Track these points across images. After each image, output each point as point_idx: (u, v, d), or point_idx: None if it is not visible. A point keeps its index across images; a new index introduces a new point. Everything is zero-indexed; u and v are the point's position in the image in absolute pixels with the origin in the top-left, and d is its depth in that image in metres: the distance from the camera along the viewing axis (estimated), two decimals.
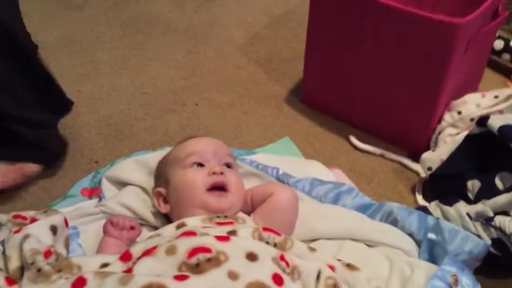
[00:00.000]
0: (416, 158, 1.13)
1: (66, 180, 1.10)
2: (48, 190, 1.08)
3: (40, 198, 1.06)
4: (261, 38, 1.58)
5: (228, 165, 0.89)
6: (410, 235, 0.89)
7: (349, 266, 0.76)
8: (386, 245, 0.86)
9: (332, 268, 0.74)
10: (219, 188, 0.84)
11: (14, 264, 0.72)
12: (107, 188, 0.99)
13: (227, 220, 0.80)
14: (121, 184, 0.99)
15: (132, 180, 0.97)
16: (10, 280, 0.70)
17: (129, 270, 0.68)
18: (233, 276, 0.65)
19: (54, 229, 0.80)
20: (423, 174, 1.10)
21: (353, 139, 1.20)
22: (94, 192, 1.01)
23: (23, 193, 1.07)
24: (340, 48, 1.16)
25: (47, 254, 0.74)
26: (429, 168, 1.04)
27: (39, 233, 0.76)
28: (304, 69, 1.27)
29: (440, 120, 1.11)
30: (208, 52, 1.51)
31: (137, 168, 1.00)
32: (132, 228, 0.85)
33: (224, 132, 1.24)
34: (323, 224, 0.89)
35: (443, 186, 1.02)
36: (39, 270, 0.69)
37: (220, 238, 0.71)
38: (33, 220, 0.82)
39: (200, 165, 0.86)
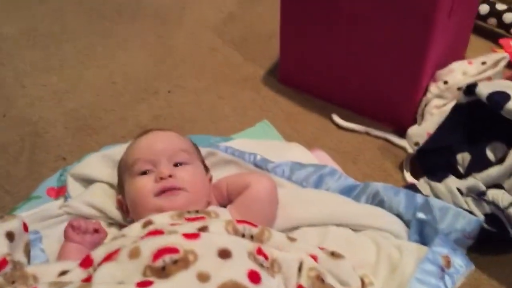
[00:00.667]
0: (402, 134, 1.07)
1: (31, 181, 1.03)
2: (12, 192, 1.01)
3: (3, 201, 0.99)
4: (235, 18, 1.50)
5: (181, 163, 0.81)
6: (398, 215, 0.83)
7: (333, 254, 0.70)
8: (373, 228, 0.81)
9: (314, 258, 0.69)
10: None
11: None
12: (73, 186, 0.92)
13: (198, 215, 0.74)
14: (88, 181, 0.92)
15: (98, 176, 0.91)
16: None
17: (89, 278, 0.62)
18: (203, 277, 0.59)
19: (10, 236, 0.73)
20: (410, 150, 1.03)
21: (336, 118, 1.13)
22: (61, 191, 0.94)
23: None
24: (316, 21, 1.08)
25: (2, 263, 0.68)
26: (416, 143, 0.98)
27: None
28: (280, 46, 1.20)
29: (425, 91, 1.05)
30: (180, 36, 1.43)
31: (103, 163, 0.93)
32: (96, 231, 0.79)
33: (200, 119, 1.17)
34: (305, 210, 0.83)
35: (432, 161, 0.95)
36: None
37: (188, 236, 0.64)
38: None
39: (148, 171, 0.80)
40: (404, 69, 1.02)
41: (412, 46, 0.98)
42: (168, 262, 0.60)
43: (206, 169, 0.88)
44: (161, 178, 0.77)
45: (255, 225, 0.71)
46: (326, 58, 1.13)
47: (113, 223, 0.87)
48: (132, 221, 0.81)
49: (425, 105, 1.04)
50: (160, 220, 0.72)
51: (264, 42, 1.39)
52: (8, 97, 1.24)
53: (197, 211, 0.75)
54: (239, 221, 0.70)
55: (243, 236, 0.69)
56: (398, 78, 1.04)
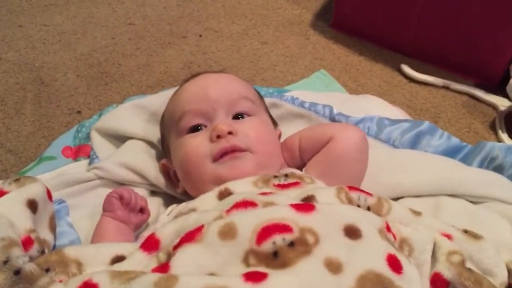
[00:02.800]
0: (488, 88, 0.90)
1: (40, 138, 0.83)
2: (16, 151, 0.80)
3: (6, 162, 0.79)
4: None
5: (242, 115, 0.61)
6: None
7: (467, 233, 0.53)
8: (497, 200, 0.63)
9: (449, 237, 0.51)
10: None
11: None
12: (100, 144, 0.73)
13: (290, 181, 0.55)
14: (118, 138, 0.73)
15: (132, 130, 0.72)
16: None
17: (164, 267, 0.43)
18: (333, 267, 0.42)
19: (33, 205, 0.54)
20: (502, 107, 0.86)
21: (406, 68, 0.95)
22: (81, 151, 0.75)
23: None
24: None
25: (27, 243, 0.50)
26: None
27: (11, 213, 0.51)
28: None
29: None
30: None
31: (136, 115, 0.74)
32: (140, 210, 0.59)
33: (241, 68, 0.97)
34: (408, 176, 0.65)
35: None
36: (17, 272, 0.43)
37: (299, 207, 0.46)
38: (1, 193, 0.55)
39: (200, 126, 0.60)
40: (502, 8, 0.84)
41: None
42: (280, 245, 0.42)
43: (274, 122, 0.69)
44: (218, 137, 0.58)
45: (369, 194, 0.53)
46: None
47: (156, 191, 0.68)
48: (186, 193, 0.63)
49: None
50: (242, 188, 0.53)
51: None
52: (2, 38, 1.02)
53: (286, 175, 0.56)
54: (351, 188, 0.52)
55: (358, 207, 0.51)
56: (491, 21, 0.86)
